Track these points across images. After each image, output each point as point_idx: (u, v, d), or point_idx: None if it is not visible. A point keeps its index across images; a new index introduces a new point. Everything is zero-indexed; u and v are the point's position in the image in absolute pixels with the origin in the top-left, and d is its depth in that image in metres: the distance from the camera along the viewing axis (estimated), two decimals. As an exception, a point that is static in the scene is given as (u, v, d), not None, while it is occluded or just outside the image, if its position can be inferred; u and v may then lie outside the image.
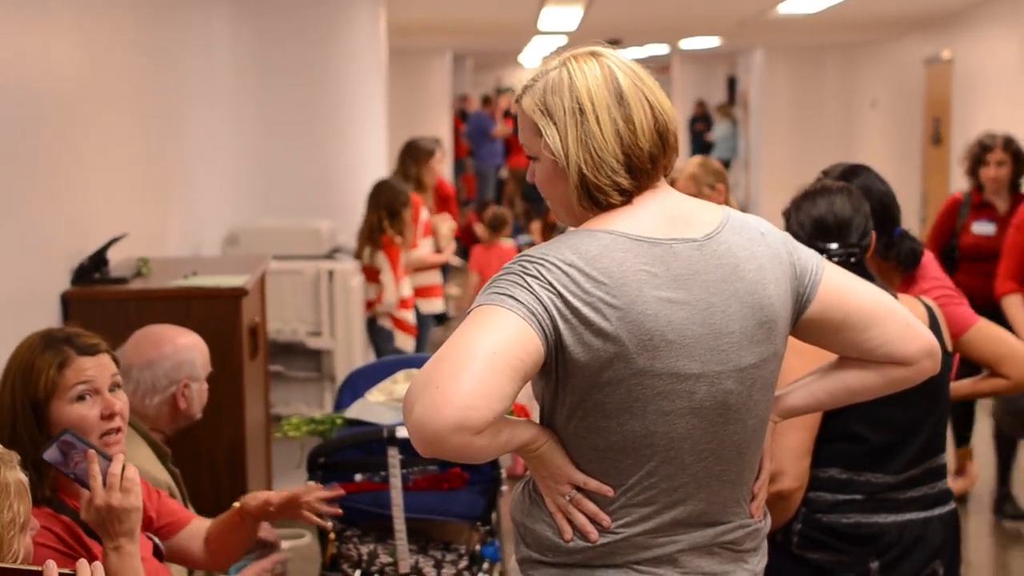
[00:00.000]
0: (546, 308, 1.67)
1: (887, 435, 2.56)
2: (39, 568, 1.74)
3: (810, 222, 2.56)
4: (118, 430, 2.37)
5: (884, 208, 2.81)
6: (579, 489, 1.79)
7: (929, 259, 2.95)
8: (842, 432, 2.55)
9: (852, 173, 2.85)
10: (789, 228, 2.57)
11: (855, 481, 2.57)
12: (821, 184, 2.66)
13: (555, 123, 1.77)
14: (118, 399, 2.37)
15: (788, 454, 2.47)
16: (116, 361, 2.42)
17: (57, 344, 2.32)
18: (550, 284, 1.68)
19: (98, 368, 2.35)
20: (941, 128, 10.46)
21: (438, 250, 6.43)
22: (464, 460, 1.69)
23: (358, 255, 5.84)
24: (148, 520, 2.30)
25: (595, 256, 1.71)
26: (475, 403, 1.59)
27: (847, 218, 2.55)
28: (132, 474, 2.18)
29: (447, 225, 6.71)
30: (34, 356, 2.30)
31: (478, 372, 1.60)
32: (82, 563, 1.77)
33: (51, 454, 2.20)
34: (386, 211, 5.83)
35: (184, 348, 3.02)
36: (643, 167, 1.78)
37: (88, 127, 3.77)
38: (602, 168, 1.76)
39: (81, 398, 2.31)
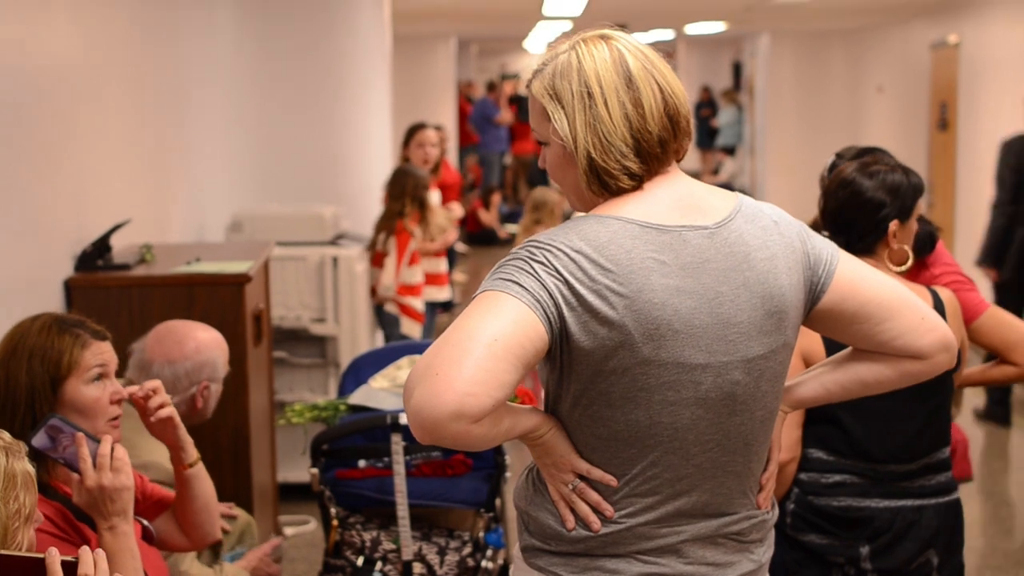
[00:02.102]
0: (551, 295, 1.65)
1: (866, 422, 2.55)
2: (41, 555, 1.73)
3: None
4: (119, 416, 2.41)
5: None
6: (583, 478, 1.77)
7: (941, 245, 2.93)
8: (822, 415, 2.55)
9: (867, 156, 2.83)
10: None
11: (842, 464, 2.56)
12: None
13: (563, 107, 1.75)
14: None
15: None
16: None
17: (72, 327, 2.36)
18: (556, 271, 1.66)
19: (110, 353, 2.40)
20: (948, 113, 10.41)
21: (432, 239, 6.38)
22: (463, 448, 1.68)
23: (374, 242, 5.81)
24: (135, 503, 2.30)
25: (603, 243, 1.69)
26: (474, 390, 1.57)
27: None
28: (121, 453, 2.20)
29: (444, 214, 6.65)
30: (51, 337, 2.33)
31: (478, 359, 1.58)
32: (84, 550, 1.77)
33: (39, 440, 2.19)
34: (412, 199, 5.82)
35: (206, 348, 3.03)
36: (652, 151, 1.76)
37: (90, 114, 3.75)
38: (611, 152, 1.74)
39: (96, 380, 2.35)
